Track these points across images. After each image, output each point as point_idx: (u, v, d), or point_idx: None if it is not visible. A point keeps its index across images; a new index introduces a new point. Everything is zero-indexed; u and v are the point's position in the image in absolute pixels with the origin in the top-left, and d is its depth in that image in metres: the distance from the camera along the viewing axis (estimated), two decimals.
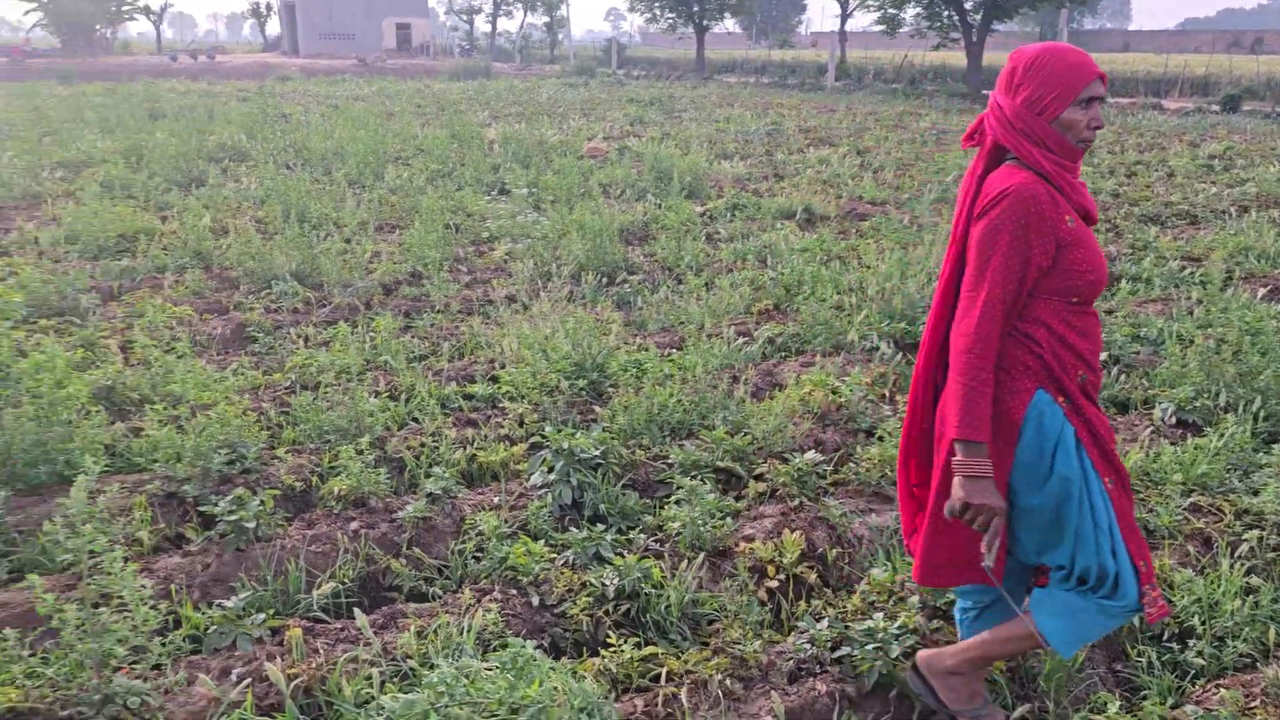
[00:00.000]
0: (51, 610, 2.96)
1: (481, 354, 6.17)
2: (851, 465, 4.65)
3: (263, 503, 3.99)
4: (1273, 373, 5.26)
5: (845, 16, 46.84)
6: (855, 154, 15.87)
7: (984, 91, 31.62)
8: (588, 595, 3.56)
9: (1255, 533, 3.96)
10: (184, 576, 3.68)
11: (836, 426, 5.13)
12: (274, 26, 74.17)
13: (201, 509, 4.15)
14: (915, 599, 3.51)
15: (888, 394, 5.57)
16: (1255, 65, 35.42)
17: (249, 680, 3.06)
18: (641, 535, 4.00)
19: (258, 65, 45.32)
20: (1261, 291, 7.42)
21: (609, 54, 53.31)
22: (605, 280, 7.95)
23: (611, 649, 3.26)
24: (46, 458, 4.26)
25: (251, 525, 3.86)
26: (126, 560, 3.16)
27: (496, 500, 4.29)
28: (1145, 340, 6.43)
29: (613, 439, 4.65)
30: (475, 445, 4.82)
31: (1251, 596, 3.59)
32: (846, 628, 3.35)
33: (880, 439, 4.79)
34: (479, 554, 3.92)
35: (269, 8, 72.52)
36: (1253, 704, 3.00)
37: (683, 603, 3.54)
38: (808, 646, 3.30)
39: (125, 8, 63.11)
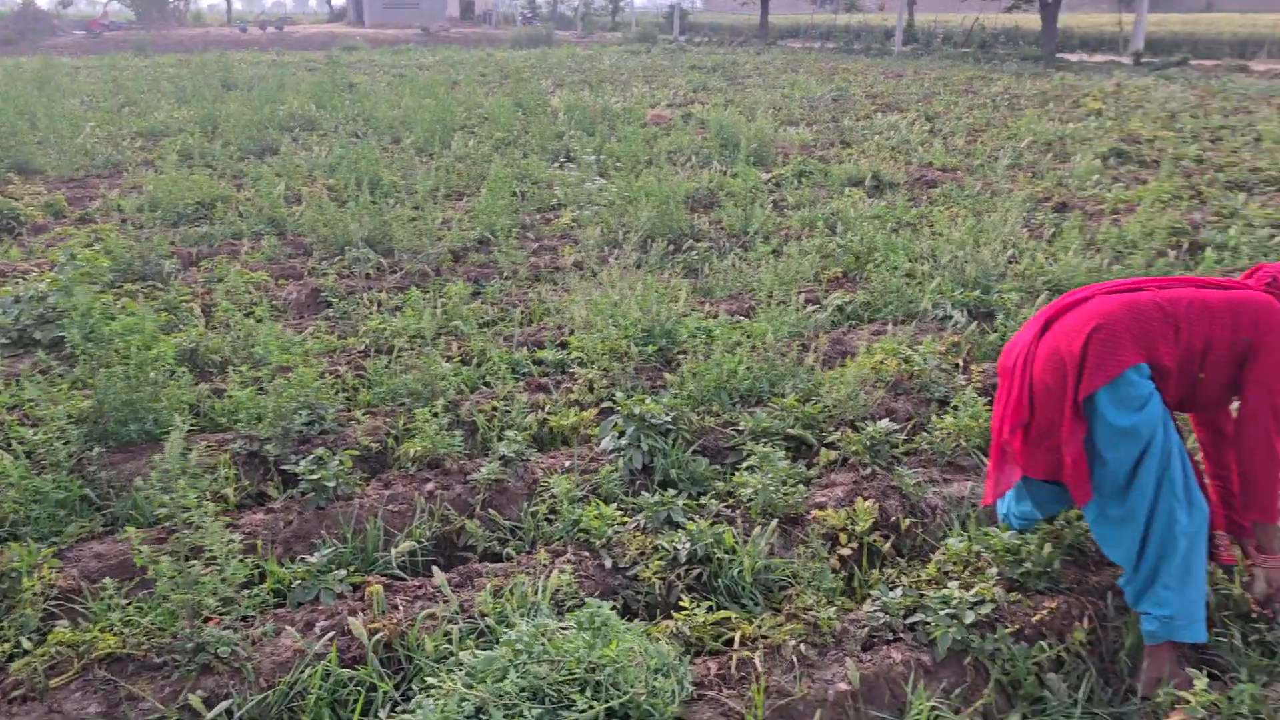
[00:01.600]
0: (147, 562, 3.08)
1: (550, 320, 6.22)
2: (925, 435, 4.60)
3: (341, 463, 4.08)
4: None
5: None
6: (924, 120, 15.57)
7: (1059, 55, 30.82)
8: (660, 559, 3.59)
9: None
10: (267, 532, 3.78)
11: (909, 395, 5.08)
12: None
13: (283, 468, 4.26)
14: (993, 570, 3.48)
15: (961, 363, 5.50)
16: None
17: (333, 633, 3.14)
18: (713, 501, 4.01)
19: (325, 35, 45.77)
20: None
21: (671, 20, 52.85)
22: (672, 247, 7.93)
23: (684, 612, 3.29)
24: (136, 416, 4.40)
25: (331, 484, 3.95)
26: (216, 515, 3.27)
27: (568, 464, 4.33)
28: None
29: (683, 405, 4.66)
30: (546, 410, 4.87)
31: None
32: (921, 596, 3.34)
33: (955, 409, 4.74)
34: (552, 516, 3.96)
35: None
36: None
37: (755, 568, 3.55)
38: (881, 614, 3.29)
39: None
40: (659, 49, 37.56)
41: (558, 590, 3.35)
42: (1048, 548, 3.51)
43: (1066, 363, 3.08)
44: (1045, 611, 3.28)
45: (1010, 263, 7.15)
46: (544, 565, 3.54)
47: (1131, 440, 3.03)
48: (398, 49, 35.60)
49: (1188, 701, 2.86)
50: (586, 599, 3.10)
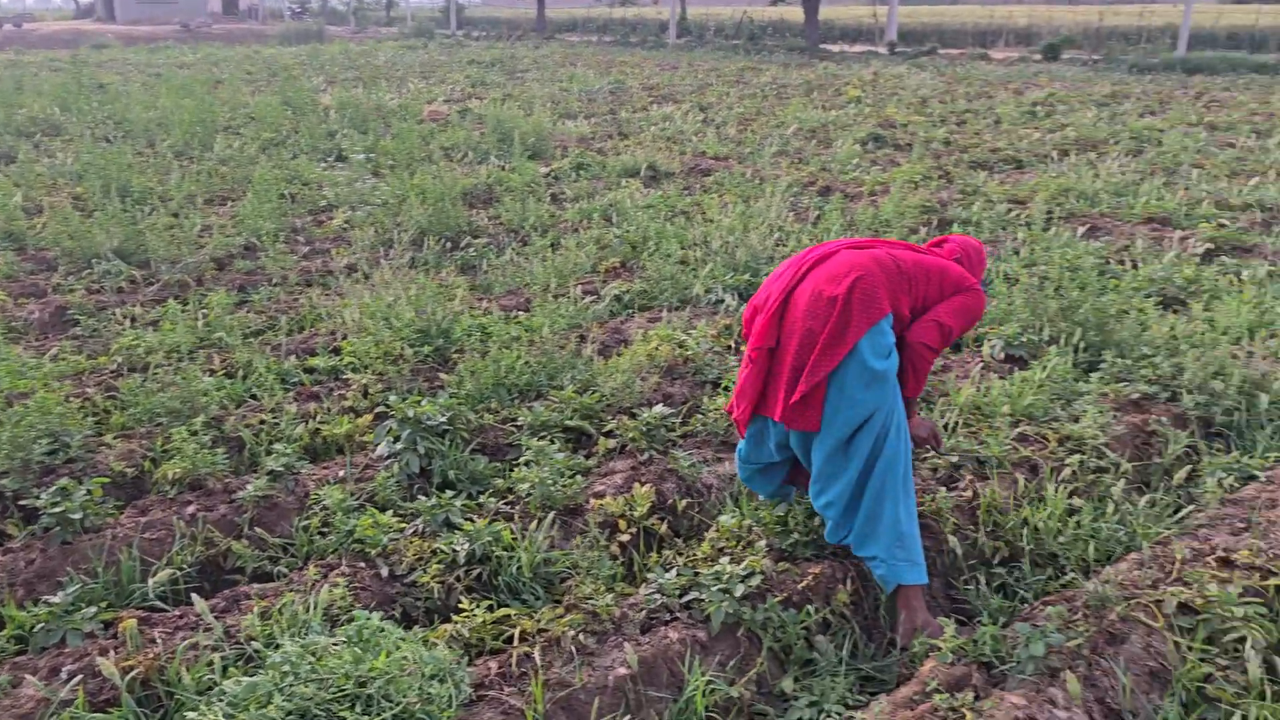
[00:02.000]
0: None
1: (322, 326, 6.00)
2: (699, 417, 4.73)
3: (90, 492, 3.80)
4: (1091, 306, 5.56)
5: None
6: (698, 110, 15.98)
7: (821, 45, 32.29)
8: (438, 562, 3.54)
9: (1076, 457, 4.21)
10: (5, 575, 3.48)
11: (684, 379, 5.20)
12: None
13: (22, 503, 3.92)
14: (762, 543, 3.60)
15: (733, 345, 5.68)
16: (1072, 15, 37.22)
17: (80, 677, 2.92)
18: (492, 499, 3.98)
19: (71, 33, 42.41)
20: (1081, 230, 7.85)
21: (447, 15, 52.02)
22: (449, 245, 7.82)
23: (463, 614, 3.25)
24: None
25: (78, 516, 3.67)
26: None
27: (342, 473, 4.20)
28: None
29: (460, 404, 4.60)
30: (318, 419, 4.70)
31: (1074, 517, 3.82)
32: (695, 574, 3.42)
33: (726, 389, 4.89)
34: (325, 529, 3.83)
35: None
36: (1075, 617, 3.20)
37: (534, 563, 3.55)
38: (658, 596, 3.35)
39: None
40: (436, 44, 36.86)
41: (331, 605, 3.24)
42: (816, 518, 3.68)
43: (833, 306, 3.23)
44: (811, 577, 3.43)
45: (778, 245, 7.44)
46: (316, 580, 3.42)
47: (882, 384, 3.23)
48: (154, 47, 33.41)
49: (940, 649, 3.06)
50: (357, 611, 3.01)
